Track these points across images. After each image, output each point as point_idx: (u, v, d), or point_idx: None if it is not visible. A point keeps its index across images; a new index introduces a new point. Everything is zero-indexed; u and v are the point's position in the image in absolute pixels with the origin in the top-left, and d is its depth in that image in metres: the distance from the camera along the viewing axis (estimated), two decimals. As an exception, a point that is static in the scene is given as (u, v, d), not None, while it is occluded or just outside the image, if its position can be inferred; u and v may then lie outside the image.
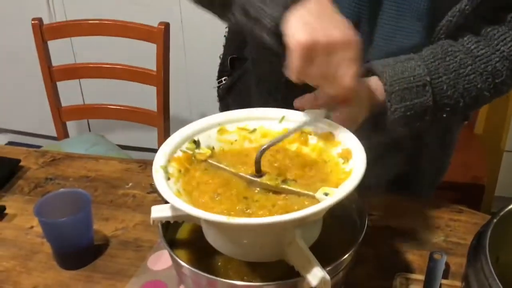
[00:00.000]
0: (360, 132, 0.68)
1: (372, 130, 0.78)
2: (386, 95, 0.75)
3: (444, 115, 0.78)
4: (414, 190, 0.97)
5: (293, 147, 0.71)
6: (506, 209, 0.55)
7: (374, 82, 0.76)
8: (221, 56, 1.07)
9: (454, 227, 0.86)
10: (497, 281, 0.50)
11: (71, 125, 1.81)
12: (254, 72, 0.96)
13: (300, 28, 0.62)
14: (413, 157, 0.95)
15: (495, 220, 0.54)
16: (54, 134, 1.75)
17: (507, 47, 0.78)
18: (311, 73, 0.64)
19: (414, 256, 0.81)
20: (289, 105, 0.73)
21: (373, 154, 0.65)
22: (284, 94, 0.86)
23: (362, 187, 0.67)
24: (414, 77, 0.75)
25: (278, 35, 0.65)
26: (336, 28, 0.63)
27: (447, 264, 0.77)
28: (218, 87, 1.07)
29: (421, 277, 0.74)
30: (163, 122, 1.60)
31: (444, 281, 0.73)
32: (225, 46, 1.06)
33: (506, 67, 0.78)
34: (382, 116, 0.76)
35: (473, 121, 1.91)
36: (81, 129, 2.33)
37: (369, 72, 0.78)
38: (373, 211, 0.88)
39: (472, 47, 0.78)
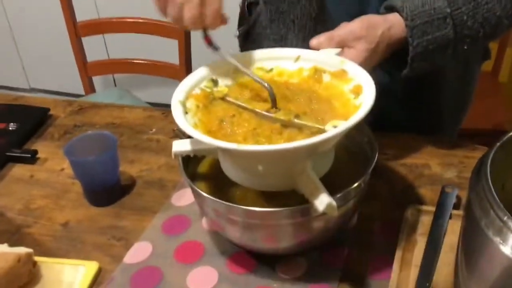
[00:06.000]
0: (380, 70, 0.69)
1: (394, 67, 0.80)
2: (407, 30, 0.75)
3: (465, 47, 0.78)
4: (436, 134, 0.98)
5: (307, 84, 0.74)
6: (509, 134, 0.56)
7: (393, 18, 0.76)
8: (240, 4, 1.08)
9: (468, 164, 0.88)
10: (499, 202, 0.50)
11: (97, 82, 1.85)
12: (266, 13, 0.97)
13: None
14: (434, 92, 0.95)
15: (498, 144, 0.55)
16: (82, 92, 1.79)
17: None
18: None
19: (427, 191, 0.83)
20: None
21: (394, 90, 0.65)
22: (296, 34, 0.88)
23: (379, 124, 0.67)
24: (435, 10, 0.75)
25: None
26: None
27: (458, 198, 0.79)
28: (238, 35, 1.09)
29: (432, 208, 0.77)
30: (186, 75, 1.62)
31: (454, 212, 0.76)
32: None
33: None
34: (404, 52, 0.77)
35: (498, 69, 1.89)
36: (107, 85, 2.38)
37: (388, 9, 0.79)
38: (389, 149, 0.90)
39: None
